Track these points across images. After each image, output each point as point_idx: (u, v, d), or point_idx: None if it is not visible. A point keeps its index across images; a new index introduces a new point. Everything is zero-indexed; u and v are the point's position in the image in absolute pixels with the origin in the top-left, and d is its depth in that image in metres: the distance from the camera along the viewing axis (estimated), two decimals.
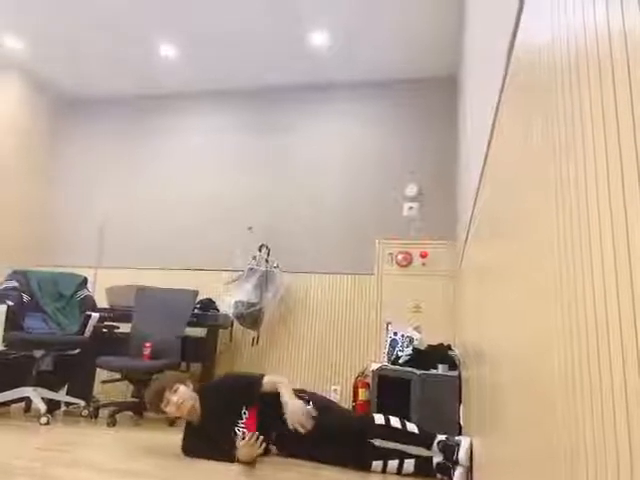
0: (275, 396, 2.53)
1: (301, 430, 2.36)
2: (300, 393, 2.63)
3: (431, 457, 2.22)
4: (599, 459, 0.44)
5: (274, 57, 4.62)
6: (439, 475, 2.20)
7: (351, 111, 4.96)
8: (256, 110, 5.15)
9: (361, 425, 2.47)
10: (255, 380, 2.62)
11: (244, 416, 2.55)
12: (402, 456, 2.28)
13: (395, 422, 2.41)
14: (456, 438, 2.27)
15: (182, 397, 2.52)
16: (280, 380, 2.63)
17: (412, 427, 2.41)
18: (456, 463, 2.15)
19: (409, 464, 2.26)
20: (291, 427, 2.37)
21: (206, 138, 5.21)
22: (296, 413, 2.41)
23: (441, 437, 2.29)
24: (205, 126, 5.26)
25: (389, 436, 2.36)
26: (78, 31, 4.39)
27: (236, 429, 2.52)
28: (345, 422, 2.54)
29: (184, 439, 2.57)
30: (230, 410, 2.54)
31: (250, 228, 4.60)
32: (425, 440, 2.32)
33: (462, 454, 2.14)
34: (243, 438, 2.38)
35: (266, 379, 2.60)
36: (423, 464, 2.24)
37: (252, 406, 2.55)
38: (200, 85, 5.18)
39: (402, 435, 2.36)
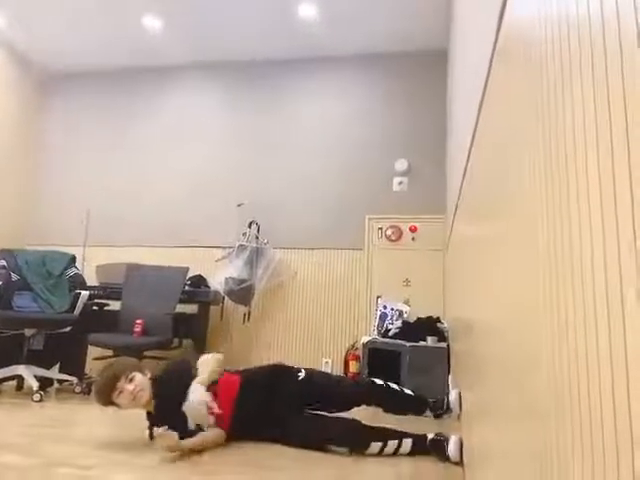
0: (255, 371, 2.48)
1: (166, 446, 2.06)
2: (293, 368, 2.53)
3: (425, 435, 2.18)
4: (583, 412, 0.46)
5: (262, 30, 4.52)
6: (433, 452, 2.14)
7: (342, 85, 4.90)
8: (245, 84, 5.07)
9: (363, 385, 2.47)
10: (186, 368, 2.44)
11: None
12: (402, 436, 2.18)
13: (393, 385, 2.46)
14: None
15: (140, 386, 2.23)
16: (206, 360, 2.43)
17: (407, 390, 2.49)
18: (447, 411, 2.31)
19: (407, 444, 2.15)
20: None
21: (195, 113, 5.13)
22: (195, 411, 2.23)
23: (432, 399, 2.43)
24: (193, 101, 5.17)
25: (390, 397, 2.40)
26: (59, 4, 4.26)
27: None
28: (347, 383, 2.52)
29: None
30: (186, 395, 2.28)
31: (240, 204, 4.57)
32: (421, 403, 2.43)
33: (452, 399, 2.32)
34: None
35: (200, 359, 2.43)
36: (418, 442, 2.17)
37: (212, 385, 2.33)
38: (188, 58, 5.07)
39: (401, 397, 2.41)
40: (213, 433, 2.24)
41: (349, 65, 4.85)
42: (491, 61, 1.12)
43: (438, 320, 3.69)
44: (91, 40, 4.82)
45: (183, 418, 2.23)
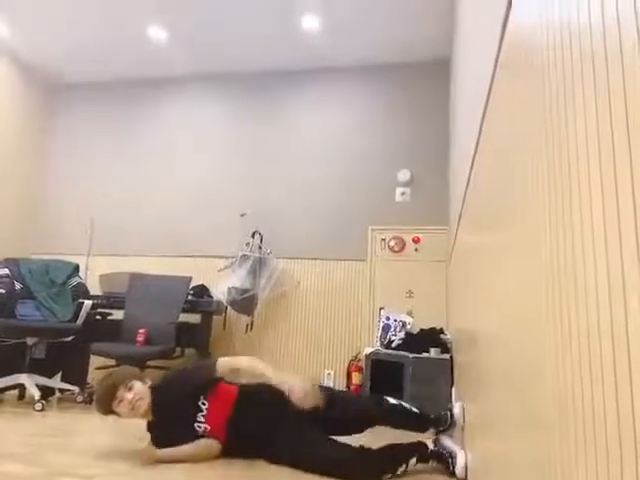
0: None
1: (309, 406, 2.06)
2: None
3: (425, 444, 2.15)
4: (587, 421, 0.45)
5: (265, 41, 4.56)
6: (436, 463, 2.11)
7: (344, 96, 4.93)
8: (248, 95, 5.10)
9: (375, 403, 2.32)
10: (207, 364, 2.35)
11: (203, 407, 2.24)
12: (408, 456, 2.09)
13: (405, 404, 2.35)
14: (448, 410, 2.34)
15: (139, 394, 2.19)
16: (240, 360, 2.33)
17: (414, 409, 2.36)
18: (450, 426, 2.24)
19: (412, 463, 2.08)
20: (300, 405, 2.08)
21: (198, 124, 5.17)
22: (299, 388, 2.10)
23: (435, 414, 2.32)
24: (196, 112, 5.21)
25: (400, 416, 2.28)
26: (65, 15, 4.31)
27: (196, 425, 2.21)
28: (359, 402, 2.41)
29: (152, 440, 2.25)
30: (186, 404, 2.23)
31: (243, 214, 4.58)
32: (425, 420, 2.32)
33: (456, 412, 2.24)
34: (202, 435, 2.18)
35: (221, 361, 2.26)
36: (420, 454, 2.12)
37: (210, 395, 2.25)
38: (190, 70, 5.11)
39: (409, 415, 2.30)
40: (205, 443, 2.17)
41: (351, 76, 4.89)
42: (494, 69, 1.13)
43: (441, 331, 3.67)
44: (95, 50, 4.88)
45: (186, 424, 2.20)
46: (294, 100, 4.99)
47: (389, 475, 2.01)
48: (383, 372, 3.35)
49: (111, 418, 2.25)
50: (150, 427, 2.28)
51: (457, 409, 2.28)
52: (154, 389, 2.27)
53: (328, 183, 4.71)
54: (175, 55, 4.86)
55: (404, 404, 2.33)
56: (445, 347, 3.43)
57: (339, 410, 2.23)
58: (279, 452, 2.15)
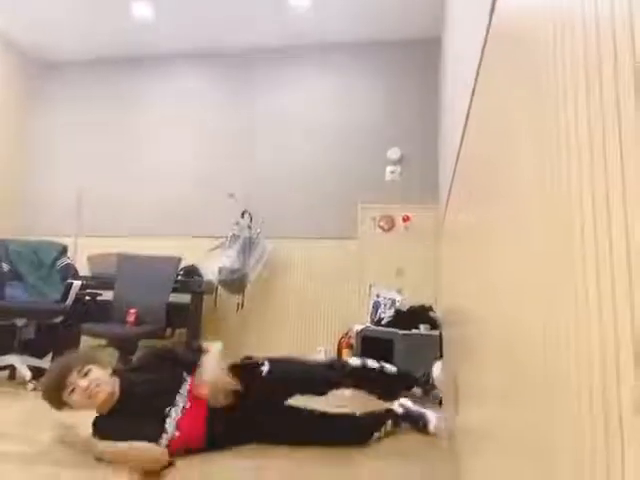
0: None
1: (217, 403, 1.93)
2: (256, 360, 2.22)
3: (391, 410, 2.26)
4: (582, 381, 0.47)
5: (253, 18, 4.48)
6: (408, 424, 2.26)
7: (334, 74, 4.88)
8: (235, 73, 5.03)
9: (338, 368, 2.27)
10: (194, 345, 2.20)
11: (187, 379, 2.02)
12: (385, 418, 2.20)
13: (372, 363, 2.35)
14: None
15: (96, 381, 1.88)
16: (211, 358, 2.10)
17: (391, 368, 2.42)
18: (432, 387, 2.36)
19: (388, 424, 2.20)
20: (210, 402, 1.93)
21: (188, 103, 5.09)
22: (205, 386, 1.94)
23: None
24: (183, 90, 5.13)
25: (371, 378, 2.31)
26: None
27: (177, 398, 1.95)
28: (319, 369, 2.27)
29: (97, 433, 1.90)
30: (167, 378, 1.99)
31: (232, 195, 4.55)
32: (407, 380, 2.44)
33: (435, 374, 2.37)
34: (183, 410, 1.92)
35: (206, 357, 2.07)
36: (393, 418, 2.23)
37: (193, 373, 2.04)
38: (177, 47, 5.01)
39: (383, 376, 2.34)
40: (150, 446, 1.80)
41: (340, 53, 4.83)
42: (484, 43, 1.12)
43: (430, 309, 3.72)
44: (79, 28, 4.75)
45: (158, 417, 1.89)
46: (282, 78, 4.93)
47: (375, 435, 2.11)
48: (373, 348, 3.39)
49: (66, 410, 1.92)
50: (100, 421, 1.93)
51: (436, 369, 2.41)
52: (124, 371, 2.05)
53: (317, 162, 4.69)
54: (161, 32, 4.76)
55: (370, 363, 2.35)
56: (434, 324, 3.48)
57: (287, 380, 2.14)
58: (267, 435, 2.03)
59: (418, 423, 2.24)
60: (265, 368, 2.12)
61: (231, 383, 2.00)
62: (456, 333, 2.08)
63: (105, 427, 1.89)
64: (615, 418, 0.37)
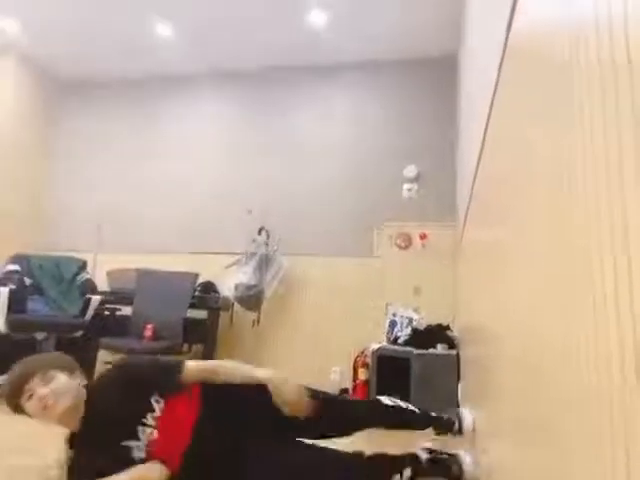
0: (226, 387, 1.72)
1: (299, 414, 1.68)
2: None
3: (415, 455, 1.90)
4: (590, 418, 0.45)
5: (273, 38, 4.56)
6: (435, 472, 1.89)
7: (351, 92, 4.93)
8: (255, 92, 5.11)
9: (369, 409, 2.01)
10: (175, 363, 1.76)
11: (156, 407, 1.64)
12: (400, 466, 1.83)
13: (401, 403, 2.06)
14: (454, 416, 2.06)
15: (58, 390, 1.58)
16: (216, 363, 1.82)
17: (409, 405, 2.09)
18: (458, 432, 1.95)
19: (405, 475, 1.85)
20: (286, 412, 1.66)
21: (205, 121, 5.18)
22: (286, 387, 1.67)
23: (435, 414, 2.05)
24: (204, 109, 5.23)
25: (397, 418, 2.01)
26: (74, 12, 4.34)
27: (140, 429, 1.60)
28: (353, 409, 2.00)
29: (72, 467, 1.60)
30: (132, 402, 1.63)
31: (250, 211, 4.59)
32: (426, 419, 2.06)
33: (467, 422, 1.93)
34: (145, 456, 1.57)
35: (191, 363, 1.72)
36: (414, 467, 1.88)
37: (170, 394, 1.67)
38: (199, 67, 5.12)
39: (408, 415, 2.03)
40: (146, 469, 1.56)
41: (357, 71, 4.88)
42: (502, 59, 1.13)
43: (448, 328, 3.67)
44: (102, 48, 4.90)
45: (126, 431, 1.60)
46: (300, 97, 4.99)
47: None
48: (389, 368, 3.35)
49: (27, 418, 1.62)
50: (73, 440, 1.64)
51: (467, 415, 2.00)
52: (91, 387, 1.72)
53: (334, 180, 4.71)
54: (180, 52, 4.87)
55: (401, 404, 2.06)
56: (452, 343, 3.43)
57: (328, 421, 1.85)
58: (258, 471, 1.68)
59: (450, 467, 1.87)
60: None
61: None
62: (473, 353, 2.04)
63: (76, 451, 1.61)
64: None
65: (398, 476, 1.78)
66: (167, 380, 1.69)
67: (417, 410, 2.07)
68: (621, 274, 0.39)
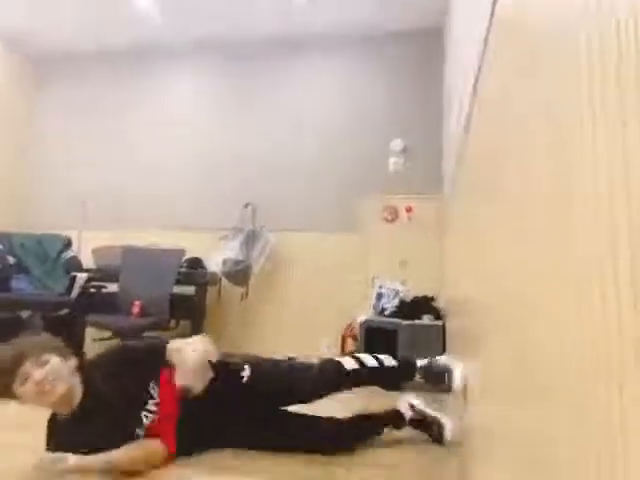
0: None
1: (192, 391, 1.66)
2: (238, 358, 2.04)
3: (399, 411, 2.02)
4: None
5: (254, 11, 4.44)
6: (419, 430, 1.99)
7: (335, 66, 4.85)
8: (238, 65, 5.00)
9: (330, 372, 1.94)
10: (158, 344, 1.78)
11: (154, 393, 1.76)
12: (378, 427, 1.99)
13: (370, 360, 2.01)
14: (441, 360, 2.04)
15: (53, 374, 1.57)
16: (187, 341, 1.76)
17: (390, 361, 2.03)
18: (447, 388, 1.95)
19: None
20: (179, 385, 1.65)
21: (188, 94, 5.08)
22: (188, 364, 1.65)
23: (422, 362, 2.04)
24: (186, 84, 5.11)
25: (369, 379, 2.00)
26: None
27: (143, 415, 1.70)
28: (307, 376, 1.95)
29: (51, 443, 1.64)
30: (133, 390, 1.72)
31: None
32: (408, 370, 2.05)
33: (456, 376, 1.87)
34: (151, 425, 1.70)
35: (172, 343, 1.73)
36: (395, 423, 2.00)
37: (160, 376, 1.79)
38: (181, 39, 4.98)
39: (382, 373, 2.01)
40: (147, 446, 1.67)
41: (342, 44, 4.79)
42: (488, 31, 1.12)
43: (433, 299, 3.73)
44: (80, 20, 4.73)
45: (130, 415, 1.69)
46: (283, 70, 4.90)
47: (362, 443, 1.91)
48: (377, 338, 3.40)
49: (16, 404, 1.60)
50: (55, 424, 1.67)
51: (458, 373, 1.93)
52: (86, 368, 1.73)
53: (320, 154, 4.68)
54: (164, 25, 4.72)
55: (368, 362, 2.00)
56: (438, 314, 3.49)
57: (269, 388, 1.90)
58: (242, 439, 1.87)
59: (431, 429, 1.97)
60: (246, 373, 1.90)
61: (209, 373, 1.75)
62: (459, 323, 2.08)
63: (65, 433, 1.64)
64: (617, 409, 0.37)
65: (379, 434, 1.93)
66: (159, 364, 1.73)
67: (395, 364, 2.03)
68: (606, 242, 0.40)
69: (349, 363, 1.97)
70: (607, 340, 0.39)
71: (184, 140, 4.97)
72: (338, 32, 4.73)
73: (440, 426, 1.95)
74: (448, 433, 1.91)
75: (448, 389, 1.96)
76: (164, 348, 1.70)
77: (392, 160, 4.51)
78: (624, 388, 0.36)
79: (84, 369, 1.72)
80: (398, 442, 2.00)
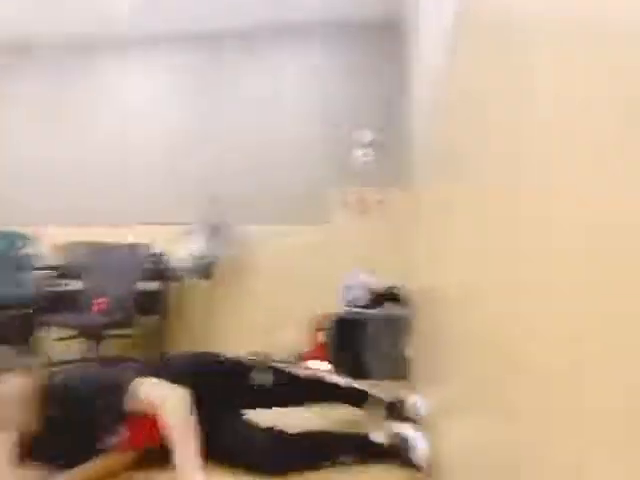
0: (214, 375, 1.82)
1: None
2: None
3: (366, 436, 1.80)
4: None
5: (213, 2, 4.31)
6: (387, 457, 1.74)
7: (301, 54, 4.78)
8: (201, 56, 4.87)
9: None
10: (123, 382, 1.60)
11: (116, 433, 1.60)
12: (339, 451, 1.73)
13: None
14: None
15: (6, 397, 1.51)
16: (165, 398, 1.56)
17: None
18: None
19: (347, 459, 1.72)
20: None
21: (149, 87, 4.93)
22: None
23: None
24: (147, 74, 4.95)
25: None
26: None
27: (107, 439, 1.60)
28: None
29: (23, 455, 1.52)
30: (88, 428, 1.58)
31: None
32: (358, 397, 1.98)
33: (411, 404, 1.82)
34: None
35: (144, 388, 1.58)
36: (361, 449, 1.76)
37: (127, 420, 1.60)
38: (148, 26, 4.79)
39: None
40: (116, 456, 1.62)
41: (306, 34, 4.71)
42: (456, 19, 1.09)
43: (401, 290, 3.75)
44: (51, 7, 4.51)
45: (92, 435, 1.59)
46: (248, 58, 4.80)
47: (308, 470, 1.64)
48: (345, 330, 3.41)
49: None
50: (28, 441, 1.53)
51: (412, 401, 1.89)
52: (43, 393, 1.59)
53: (287, 145, 4.62)
54: (131, 11, 4.54)
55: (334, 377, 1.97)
56: (405, 304, 3.52)
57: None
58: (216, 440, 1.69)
59: (402, 451, 1.71)
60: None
61: None
62: (428, 311, 2.08)
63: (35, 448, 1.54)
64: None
65: (331, 462, 1.67)
66: (115, 405, 1.56)
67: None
68: (571, 233, 0.37)
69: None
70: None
71: (146, 133, 4.83)
72: (303, 21, 4.64)
73: (410, 448, 1.72)
74: (420, 455, 1.69)
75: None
76: (126, 389, 1.56)
77: (360, 152, 4.49)
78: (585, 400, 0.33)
79: (42, 394, 1.58)
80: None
